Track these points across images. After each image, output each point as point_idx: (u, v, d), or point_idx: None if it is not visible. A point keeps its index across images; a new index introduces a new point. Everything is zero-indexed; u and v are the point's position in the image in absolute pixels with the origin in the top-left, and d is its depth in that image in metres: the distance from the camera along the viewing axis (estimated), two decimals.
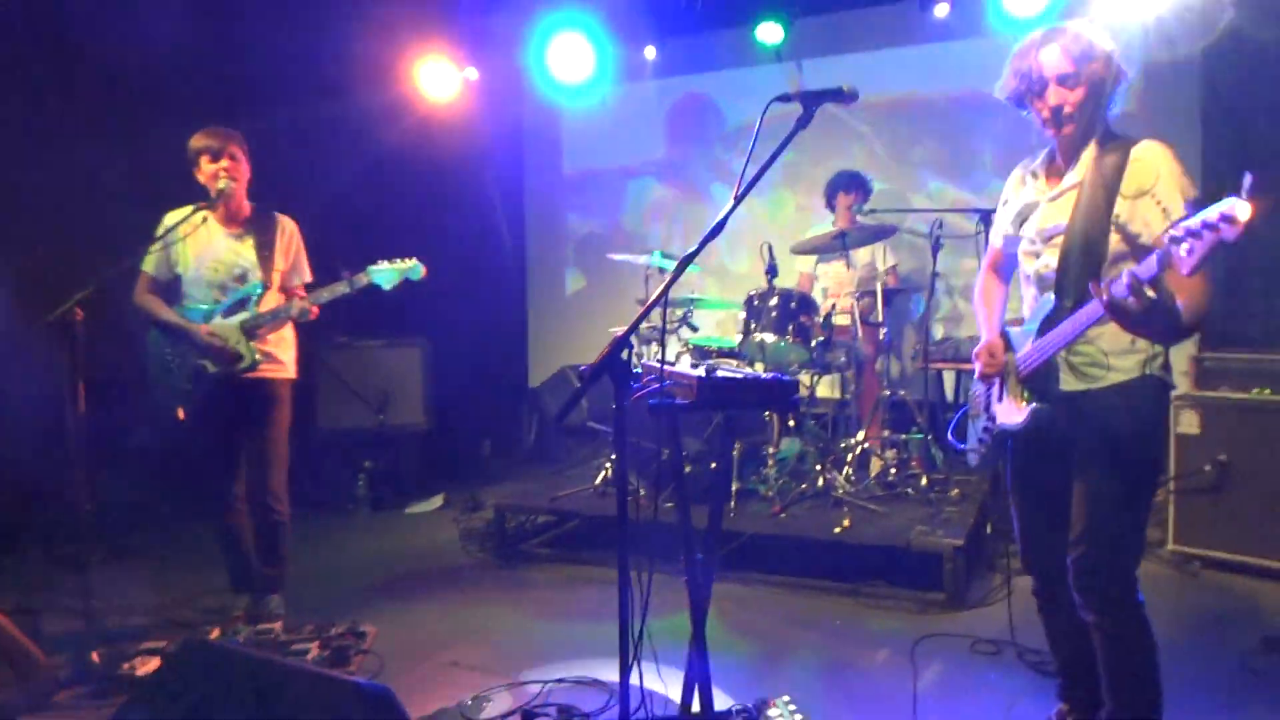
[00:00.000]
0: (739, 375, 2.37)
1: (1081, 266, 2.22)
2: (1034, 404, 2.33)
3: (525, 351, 7.54)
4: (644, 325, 5.17)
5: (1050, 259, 2.34)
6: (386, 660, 3.36)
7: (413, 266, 3.69)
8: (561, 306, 7.45)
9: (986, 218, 4.41)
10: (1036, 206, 2.42)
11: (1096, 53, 2.22)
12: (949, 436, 2.77)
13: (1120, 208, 2.20)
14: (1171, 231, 1.86)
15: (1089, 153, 2.29)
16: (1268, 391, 4.01)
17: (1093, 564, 2.29)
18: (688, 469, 4.18)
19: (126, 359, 3.80)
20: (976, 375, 2.57)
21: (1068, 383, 2.33)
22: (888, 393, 5.07)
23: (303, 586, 3.97)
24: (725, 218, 2.05)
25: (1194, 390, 4.23)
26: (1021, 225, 2.47)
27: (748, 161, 2.06)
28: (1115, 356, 2.27)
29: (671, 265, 5.15)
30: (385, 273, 3.65)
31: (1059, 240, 2.31)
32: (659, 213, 7.10)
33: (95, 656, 3.13)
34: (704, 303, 5.14)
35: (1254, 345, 4.53)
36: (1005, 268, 2.69)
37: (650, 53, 6.38)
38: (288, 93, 5.64)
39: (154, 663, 3.18)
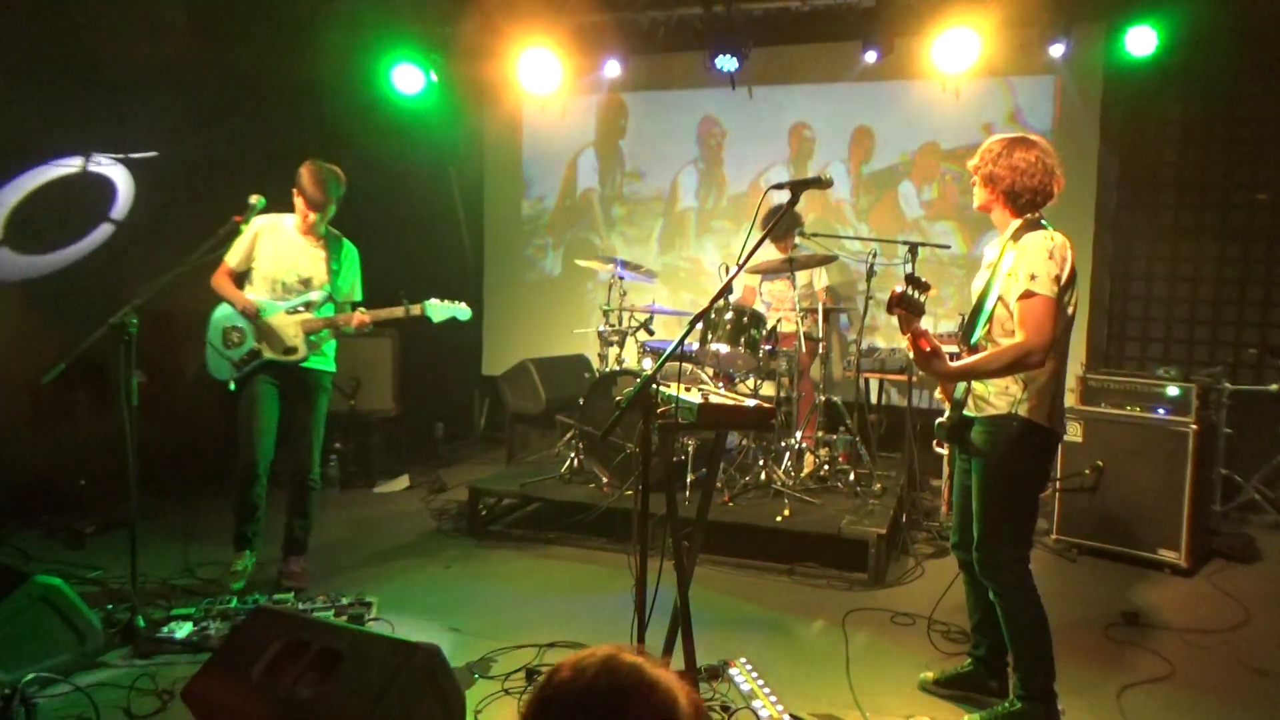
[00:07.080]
0: (729, 402, 2.92)
1: (970, 324, 2.89)
2: (946, 413, 3.01)
3: (480, 342, 7.97)
4: (604, 327, 5.75)
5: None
6: (394, 626, 3.83)
7: (462, 309, 4.23)
8: (516, 302, 7.90)
9: (914, 249, 5.06)
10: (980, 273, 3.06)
11: (995, 165, 2.84)
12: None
13: (1005, 284, 2.82)
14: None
15: (1009, 234, 2.91)
16: (1138, 409, 4.80)
17: (985, 554, 2.94)
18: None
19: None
20: None
21: (969, 409, 2.98)
22: (822, 397, 5.73)
23: None
24: (731, 280, 2.61)
25: (1078, 405, 4.99)
26: None
27: (748, 236, 2.61)
28: (993, 396, 2.90)
29: (630, 273, 5.71)
30: (438, 309, 4.20)
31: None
32: (612, 217, 7.59)
33: (142, 620, 3.50)
34: (663, 310, 5.71)
35: (1130, 368, 5.34)
36: None
37: (611, 68, 6.82)
38: (263, 95, 5.94)
39: (187, 626, 3.59)
